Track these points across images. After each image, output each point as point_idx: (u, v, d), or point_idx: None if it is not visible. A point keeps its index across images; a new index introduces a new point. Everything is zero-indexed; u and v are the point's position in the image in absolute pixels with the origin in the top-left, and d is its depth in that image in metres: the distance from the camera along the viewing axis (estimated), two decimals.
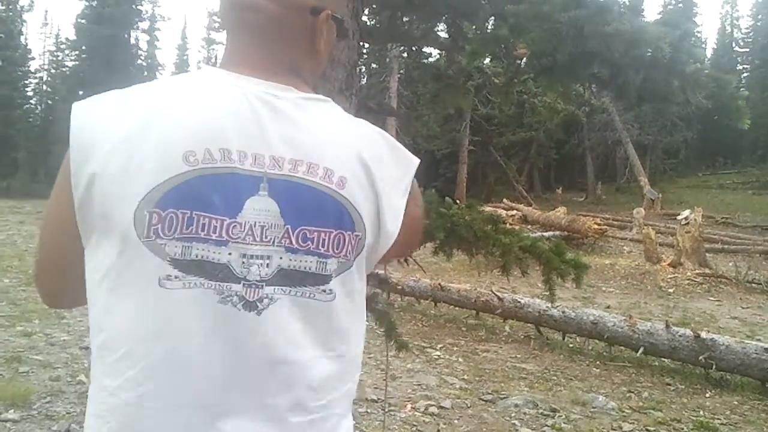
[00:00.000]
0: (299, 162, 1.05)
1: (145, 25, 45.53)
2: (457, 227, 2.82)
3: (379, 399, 5.40)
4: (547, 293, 3.04)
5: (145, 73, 43.95)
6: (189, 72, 1.24)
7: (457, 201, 3.09)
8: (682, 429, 5.20)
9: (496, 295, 8.64)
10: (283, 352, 1.04)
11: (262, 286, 1.03)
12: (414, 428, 4.89)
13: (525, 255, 2.92)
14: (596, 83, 2.77)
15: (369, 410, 5.16)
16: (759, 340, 7.69)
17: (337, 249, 1.07)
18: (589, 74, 2.57)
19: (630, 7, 2.72)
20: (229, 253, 1.01)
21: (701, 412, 5.63)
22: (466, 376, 6.42)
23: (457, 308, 9.43)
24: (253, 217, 1.02)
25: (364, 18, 3.19)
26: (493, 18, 2.78)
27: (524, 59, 2.69)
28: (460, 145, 33.36)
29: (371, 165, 1.11)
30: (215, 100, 1.06)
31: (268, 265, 1.03)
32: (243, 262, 1.02)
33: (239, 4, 1.15)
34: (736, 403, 5.98)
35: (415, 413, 5.22)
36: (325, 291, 1.08)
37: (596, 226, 17.28)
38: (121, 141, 1.00)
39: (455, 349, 7.56)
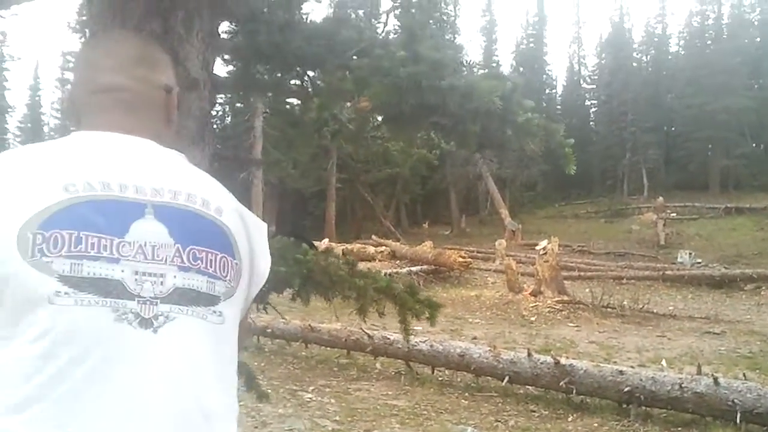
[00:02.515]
0: (178, 192, 1.09)
1: None
2: (313, 273, 2.86)
3: None
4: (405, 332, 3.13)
5: None
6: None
7: (314, 245, 3.14)
8: None
9: (365, 332, 8.69)
10: (180, 372, 1.02)
11: (157, 303, 1.01)
12: None
13: (380, 296, 3.01)
14: (440, 131, 2.93)
15: None
16: (615, 362, 8.13)
17: (223, 272, 1.09)
18: (431, 123, 2.72)
19: (464, 62, 2.91)
20: (122, 270, 1.00)
21: None
22: (338, 417, 6.39)
23: (328, 348, 9.40)
24: (142, 237, 1.03)
25: (222, 68, 3.23)
26: (339, 70, 2.88)
27: (368, 111, 2.81)
28: (327, 183, 33.60)
29: (240, 209, 1.17)
30: (90, 147, 1.10)
31: (162, 282, 1.02)
32: (136, 279, 1.01)
33: (103, 87, 1.20)
34: (596, 425, 6.24)
35: None
36: (215, 312, 1.08)
37: (461, 259, 17.80)
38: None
39: (327, 390, 7.51)
